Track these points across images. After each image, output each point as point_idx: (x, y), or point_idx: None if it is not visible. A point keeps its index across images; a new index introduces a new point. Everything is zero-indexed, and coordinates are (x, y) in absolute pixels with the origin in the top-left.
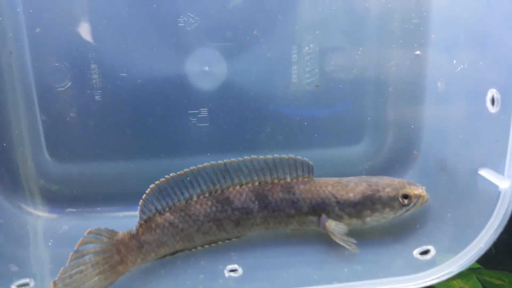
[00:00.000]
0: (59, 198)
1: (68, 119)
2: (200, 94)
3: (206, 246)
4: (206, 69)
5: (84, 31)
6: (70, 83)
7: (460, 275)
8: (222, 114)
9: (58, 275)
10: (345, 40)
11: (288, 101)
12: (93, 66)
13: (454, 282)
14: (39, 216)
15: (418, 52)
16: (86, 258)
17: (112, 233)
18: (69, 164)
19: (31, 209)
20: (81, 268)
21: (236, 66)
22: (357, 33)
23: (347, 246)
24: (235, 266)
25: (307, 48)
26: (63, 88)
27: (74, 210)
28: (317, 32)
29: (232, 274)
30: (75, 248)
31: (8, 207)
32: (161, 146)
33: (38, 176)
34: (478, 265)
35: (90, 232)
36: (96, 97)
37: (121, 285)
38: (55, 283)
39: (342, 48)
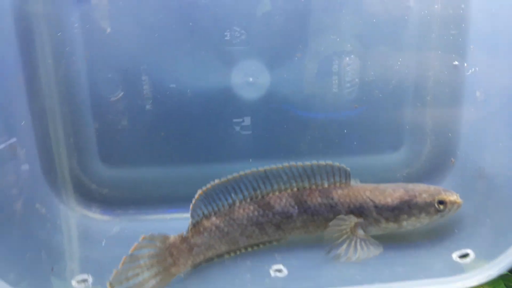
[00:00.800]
0: (110, 201)
1: (119, 127)
2: (244, 103)
3: (250, 249)
4: (250, 80)
5: (136, 45)
6: (122, 93)
7: (488, 283)
8: (264, 123)
9: (112, 276)
10: (385, 50)
11: (328, 110)
12: (144, 77)
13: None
14: (92, 218)
15: (456, 63)
16: (141, 262)
17: (164, 237)
18: (119, 169)
19: (85, 211)
20: (137, 271)
21: (278, 77)
22: (396, 43)
23: (368, 250)
24: (280, 266)
25: (347, 58)
26: (115, 98)
27: (124, 212)
28: (357, 43)
29: (278, 274)
30: (130, 252)
31: (64, 209)
32: (207, 153)
33: (91, 180)
34: (507, 272)
35: (144, 238)
36: (147, 106)
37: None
38: (111, 284)
39: (382, 58)
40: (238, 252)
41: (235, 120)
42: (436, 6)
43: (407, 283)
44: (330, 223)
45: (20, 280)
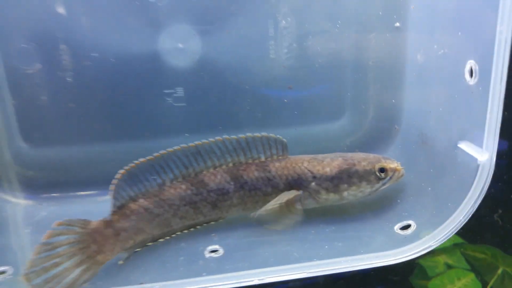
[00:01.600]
0: (35, 184)
1: (39, 102)
2: (175, 72)
3: (186, 231)
4: (180, 46)
5: (51, 10)
6: (39, 65)
7: (444, 251)
8: (199, 93)
9: (26, 268)
10: (323, 13)
11: (266, 78)
12: (62, 46)
13: (439, 257)
14: (16, 203)
15: (397, 24)
16: (60, 250)
17: (85, 222)
18: (44, 149)
19: (7, 196)
20: (56, 260)
21: (211, 42)
22: (335, 5)
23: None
24: (216, 247)
25: (284, 22)
26: (32, 71)
27: (51, 195)
28: (294, 4)
29: (213, 254)
30: (42, 240)
31: None
32: (138, 128)
33: (13, 162)
34: (462, 240)
35: (60, 224)
36: (68, 78)
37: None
38: (27, 277)
39: (321, 21)
40: (173, 235)
41: (166, 91)
42: None
43: (346, 258)
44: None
45: None
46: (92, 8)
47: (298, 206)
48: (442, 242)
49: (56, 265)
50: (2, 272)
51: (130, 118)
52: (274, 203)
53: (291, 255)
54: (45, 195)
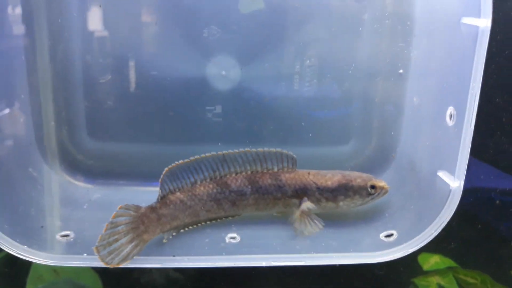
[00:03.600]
0: (94, 171)
1: (106, 106)
2: (217, 93)
3: (209, 222)
4: (223, 73)
5: (126, 35)
6: (110, 76)
7: (438, 272)
8: (233, 111)
9: (98, 241)
10: (340, 57)
11: (289, 104)
12: (130, 63)
13: (432, 278)
14: (77, 185)
15: (401, 71)
16: (119, 228)
17: (137, 207)
18: (104, 144)
19: (71, 179)
20: (116, 237)
21: (248, 72)
22: (350, 51)
23: (314, 224)
24: (234, 235)
25: (308, 61)
26: (104, 80)
27: (104, 182)
28: (317, 48)
29: (232, 240)
30: (110, 219)
31: (53, 175)
32: (181, 135)
33: (78, 151)
34: (455, 264)
35: (121, 208)
36: (131, 89)
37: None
38: (97, 248)
39: (338, 64)
40: (199, 224)
41: (208, 107)
42: (386, 21)
43: (338, 254)
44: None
45: (13, 231)
46: (158, 37)
47: (305, 209)
48: (416, 248)
49: (116, 240)
50: (66, 235)
51: (177, 126)
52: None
53: (294, 247)
54: (100, 181)
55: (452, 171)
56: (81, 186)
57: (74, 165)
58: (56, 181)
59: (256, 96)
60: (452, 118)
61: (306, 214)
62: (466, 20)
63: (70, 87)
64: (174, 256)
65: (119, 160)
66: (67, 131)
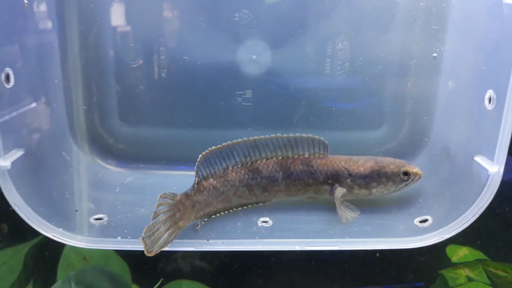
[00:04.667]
0: (125, 155)
1: (138, 91)
2: (247, 78)
3: (240, 208)
4: (253, 57)
5: (157, 21)
6: (142, 61)
7: (467, 264)
8: (263, 96)
9: (144, 232)
10: (373, 39)
11: (321, 89)
12: (161, 49)
13: (461, 270)
14: (109, 169)
15: (435, 55)
16: (160, 217)
17: (173, 195)
18: (135, 128)
19: (103, 163)
20: (157, 226)
21: (279, 56)
22: (384, 34)
23: (349, 212)
24: (266, 219)
25: (340, 44)
26: (136, 65)
27: (136, 166)
28: (350, 31)
29: (264, 224)
30: (155, 209)
31: (85, 159)
32: (212, 120)
33: (109, 136)
34: (485, 257)
35: (161, 196)
36: (162, 74)
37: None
38: (143, 240)
39: (370, 47)
40: (231, 210)
41: (238, 92)
42: (421, 4)
43: (372, 239)
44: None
45: (49, 214)
46: (189, 22)
47: (338, 196)
48: (451, 235)
49: (158, 229)
50: (100, 219)
51: (207, 111)
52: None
53: (327, 232)
54: (132, 165)
55: (490, 156)
56: (113, 170)
57: (105, 149)
58: (88, 165)
59: (287, 81)
60: (491, 102)
61: (340, 201)
62: (509, 0)
63: (102, 72)
64: (208, 240)
65: (150, 145)
66: (99, 116)
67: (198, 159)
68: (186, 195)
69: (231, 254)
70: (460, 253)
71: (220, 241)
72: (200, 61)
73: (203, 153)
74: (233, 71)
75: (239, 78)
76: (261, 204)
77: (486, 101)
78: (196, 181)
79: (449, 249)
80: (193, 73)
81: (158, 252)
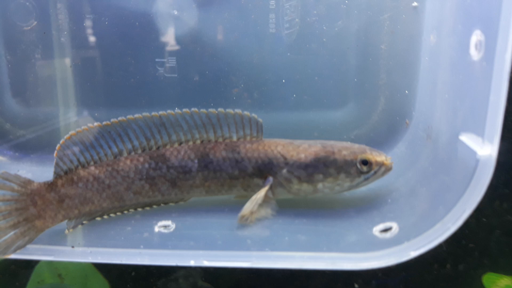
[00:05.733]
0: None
1: (33, 60)
2: (169, 41)
3: (140, 209)
4: (175, 13)
5: None
6: (35, 22)
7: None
8: (191, 65)
9: None
10: None
11: (264, 53)
12: (59, 5)
13: (503, 279)
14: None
15: (415, 4)
16: None
17: (25, 181)
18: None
19: None
20: None
21: (207, 12)
22: None
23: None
24: (168, 222)
25: None
26: (28, 27)
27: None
28: None
29: (162, 230)
30: None
31: None
32: (126, 97)
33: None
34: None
35: None
36: (62, 38)
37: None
38: None
39: None
40: (125, 212)
41: (158, 59)
42: None
43: (301, 254)
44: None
45: None
46: None
47: (269, 195)
48: (422, 251)
49: None
50: None
51: (120, 85)
52: (253, 204)
53: (243, 241)
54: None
55: (480, 132)
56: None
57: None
58: None
59: (220, 44)
60: (478, 48)
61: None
62: None
63: None
64: (73, 247)
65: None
66: None
67: (65, 136)
68: (48, 185)
69: (245, 272)
70: (501, 284)
71: (88, 250)
72: (107, 18)
73: (78, 129)
74: (150, 31)
75: (158, 40)
76: (172, 204)
77: (472, 49)
78: (62, 167)
79: (486, 279)
80: (100, 34)
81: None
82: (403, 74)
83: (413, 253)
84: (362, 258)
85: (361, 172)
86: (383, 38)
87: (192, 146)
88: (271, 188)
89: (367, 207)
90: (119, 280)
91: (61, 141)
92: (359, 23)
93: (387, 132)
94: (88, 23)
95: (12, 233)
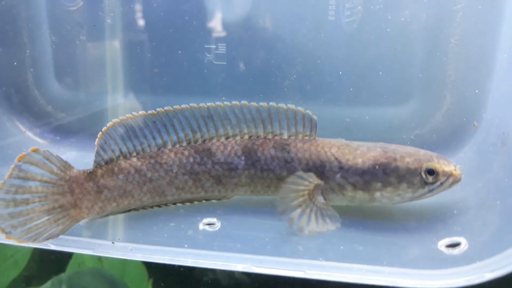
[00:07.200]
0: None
1: (77, 42)
2: (219, 25)
3: (180, 204)
4: None
5: None
6: (82, 2)
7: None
8: (242, 53)
9: None
10: None
11: (321, 43)
12: None
13: None
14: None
15: None
16: (32, 184)
17: (65, 165)
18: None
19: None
20: (26, 196)
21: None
22: None
23: (323, 222)
24: (213, 220)
25: None
26: (74, 8)
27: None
28: None
29: (206, 227)
30: (15, 161)
31: (11, 128)
32: (173, 84)
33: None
34: None
35: (36, 151)
36: (108, 20)
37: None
38: None
39: None
40: (166, 206)
41: (207, 46)
42: None
43: (361, 267)
44: (287, 179)
45: None
46: None
47: (321, 200)
48: (499, 274)
49: (26, 202)
50: None
51: (167, 72)
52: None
53: (295, 247)
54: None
55: None
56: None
57: (38, 116)
58: (12, 135)
59: (274, 31)
60: None
61: (317, 205)
62: None
63: (33, 16)
64: (113, 242)
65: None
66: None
67: (108, 124)
68: (88, 173)
69: None
70: None
71: (129, 246)
72: (156, 2)
73: (122, 118)
74: (199, 16)
75: (208, 26)
76: (214, 201)
77: None
78: (103, 158)
79: None
80: (148, 18)
81: (25, 242)
82: (474, 71)
83: (488, 275)
84: (428, 275)
85: (425, 183)
86: (454, 31)
87: (239, 142)
88: (322, 192)
89: (430, 217)
90: (158, 268)
91: (103, 129)
92: (428, 13)
93: (451, 135)
94: (136, 5)
95: (45, 218)
